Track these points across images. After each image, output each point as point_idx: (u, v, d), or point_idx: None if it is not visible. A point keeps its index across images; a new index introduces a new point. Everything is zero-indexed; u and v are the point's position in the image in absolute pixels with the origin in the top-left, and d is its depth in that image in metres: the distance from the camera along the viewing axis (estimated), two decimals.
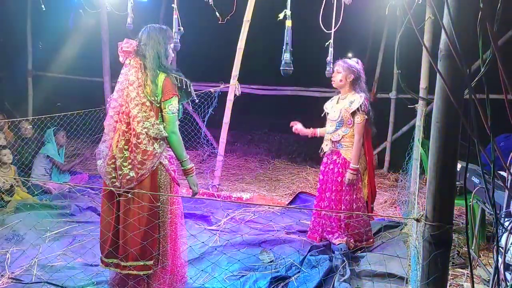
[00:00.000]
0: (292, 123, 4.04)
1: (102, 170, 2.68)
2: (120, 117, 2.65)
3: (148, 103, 2.60)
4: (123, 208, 2.62)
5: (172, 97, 2.61)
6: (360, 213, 3.80)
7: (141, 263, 2.62)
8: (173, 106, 2.62)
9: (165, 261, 2.76)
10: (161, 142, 2.64)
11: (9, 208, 4.38)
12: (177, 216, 2.84)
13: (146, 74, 2.63)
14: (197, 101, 2.94)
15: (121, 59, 2.73)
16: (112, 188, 2.63)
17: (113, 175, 2.63)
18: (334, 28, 3.85)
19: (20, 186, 4.78)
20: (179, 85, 2.67)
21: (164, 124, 2.66)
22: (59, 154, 5.50)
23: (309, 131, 3.98)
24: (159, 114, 2.66)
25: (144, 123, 2.57)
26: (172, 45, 2.78)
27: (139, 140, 2.57)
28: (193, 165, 2.76)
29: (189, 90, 2.71)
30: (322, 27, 3.68)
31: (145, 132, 2.57)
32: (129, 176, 2.58)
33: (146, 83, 2.61)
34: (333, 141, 3.78)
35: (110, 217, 2.67)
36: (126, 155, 2.61)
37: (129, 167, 2.59)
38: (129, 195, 2.60)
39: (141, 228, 2.59)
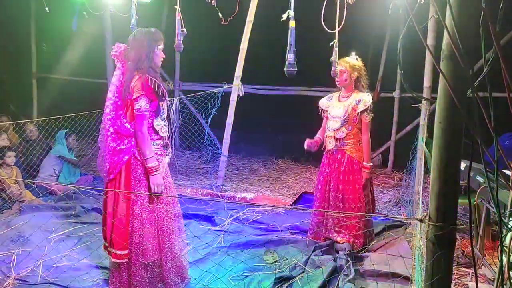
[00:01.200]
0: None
1: (98, 161, 2.88)
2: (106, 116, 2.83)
3: (120, 103, 2.74)
4: (108, 199, 2.82)
5: (139, 96, 2.69)
6: (365, 214, 3.80)
7: (114, 251, 2.78)
8: (139, 105, 2.70)
9: (148, 256, 2.80)
10: (131, 139, 2.75)
11: (14, 209, 4.41)
12: (163, 213, 2.89)
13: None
14: (168, 102, 3.05)
15: (116, 62, 2.85)
16: (109, 190, 2.68)
17: (101, 167, 2.85)
18: (338, 27, 3.85)
19: (22, 188, 4.80)
20: (150, 86, 2.72)
21: (133, 122, 2.76)
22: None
23: (315, 144, 3.87)
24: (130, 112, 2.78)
25: (114, 121, 2.72)
26: (161, 46, 2.83)
27: (108, 137, 2.73)
28: (155, 164, 2.76)
29: (160, 92, 2.76)
30: (325, 27, 3.68)
31: (113, 130, 2.72)
32: (106, 168, 2.76)
33: (125, 84, 2.73)
34: (337, 139, 3.77)
35: (103, 205, 2.90)
36: (107, 150, 2.77)
37: (108, 160, 2.76)
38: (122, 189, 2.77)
39: (116, 219, 2.77)
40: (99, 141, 2.90)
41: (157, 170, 2.76)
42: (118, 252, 2.78)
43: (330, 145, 3.83)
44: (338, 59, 3.83)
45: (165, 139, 2.92)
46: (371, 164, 3.78)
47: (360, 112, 3.68)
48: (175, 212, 2.99)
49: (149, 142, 2.75)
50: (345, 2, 3.80)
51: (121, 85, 2.74)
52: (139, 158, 2.77)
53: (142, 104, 2.69)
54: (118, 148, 2.72)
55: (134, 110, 2.71)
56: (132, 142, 2.75)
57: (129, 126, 2.73)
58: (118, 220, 2.75)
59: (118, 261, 2.80)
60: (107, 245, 2.86)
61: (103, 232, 2.90)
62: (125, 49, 2.79)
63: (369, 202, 3.85)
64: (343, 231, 3.78)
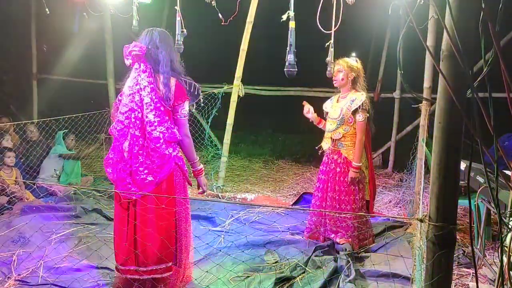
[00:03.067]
0: (304, 103, 3.94)
1: (114, 176, 2.66)
2: (133, 123, 2.61)
3: (162, 108, 2.59)
4: (140, 214, 2.61)
5: (185, 101, 2.66)
6: (365, 214, 3.80)
7: (163, 266, 2.66)
8: (185, 110, 2.67)
9: (181, 261, 2.79)
10: (174, 145, 2.68)
11: (15, 210, 4.41)
12: (187, 216, 2.88)
13: (156, 78, 2.62)
14: (202, 104, 3.03)
15: (127, 62, 2.66)
16: (124, 193, 2.63)
17: (128, 180, 2.61)
18: (334, 28, 3.85)
19: (22, 188, 4.80)
20: (187, 88, 2.70)
21: (177, 128, 2.70)
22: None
23: (316, 118, 3.93)
24: (172, 117, 2.70)
25: (160, 127, 2.58)
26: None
27: (157, 145, 2.57)
28: (202, 165, 2.88)
29: (196, 93, 2.75)
30: (320, 27, 3.67)
31: (162, 137, 2.58)
32: (147, 181, 2.59)
33: (158, 87, 2.60)
34: (333, 140, 3.78)
35: (124, 224, 2.65)
36: (141, 160, 2.59)
37: (145, 171, 2.58)
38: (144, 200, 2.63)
39: (161, 231, 2.63)
40: (111, 155, 2.67)
41: (203, 171, 2.86)
42: (168, 265, 2.67)
43: (325, 145, 3.85)
44: (338, 59, 3.83)
45: None
46: (360, 164, 3.66)
47: (353, 111, 3.65)
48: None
49: (193, 146, 2.80)
50: (342, 2, 3.80)
51: (155, 88, 2.60)
52: (179, 163, 2.70)
53: (187, 108, 2.68)
54: (173, 154, 2.63)
55: (179, 116, 2.66)
56: (178, 148, 2.71)
57: (177, 132, 2.65)
58: (166, 233, 2.63)
59: (168, 274, 2.69)
60: (137, 268, 2.64)
61: (123, 253, 2.66)
62: (147, 50, 2.64)
63: (365, 206, 3.83)
64: (341, 231, 3.78)
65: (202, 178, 2.87)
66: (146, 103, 2.57)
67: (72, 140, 5.66)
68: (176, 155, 2.66)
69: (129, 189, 2.59)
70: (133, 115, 2.60)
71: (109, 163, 2.69)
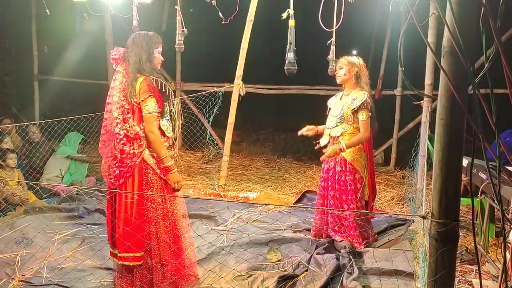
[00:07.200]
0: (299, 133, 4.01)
1: (103, 168, 2.88)
2: (110, 120, 2.81)
3: (127, 106, 2.74)
4: (116, 204, 2.80)
5: (147, 98, 2.72)
6: (366, 211, 3.79)
7: (131, 254, 2.77)
8: (149, 106, 2.73)
9: (162, 258, 2.83)
10: (141, 142, 2.75)
11: (18, 211, 4.43)
12: (174, 214, 2.91)
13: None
14: (174, 102, 3.02)
15: (114, 65, 2.86)
16: (111, 190, 2.71)
17: (109, 172, 2.83)
18: (336, 26, 3.85)
19: (25, 190, 4.81)
20: (157, 86, 2.77)
21: (143, 124, 2.77)
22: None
23: (314, 129, 3.94)
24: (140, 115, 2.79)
25: (123, 125, 2.71)
26: (159, 49, 2.86)
27: (117, 140, 2.72)
28: (172, 162, 2.83)
29: (167, 92, 2.81)
30: (322, 25, 3.67)
31: (123, 133, 2.71)
32: (115, 174, 2.75)
33: (129, 87, 2.75)
34: (332, 137, 3.76)
35: (110, 211, 2.89)
36: (116, 154, 2.76)
37: (116, 165, 2.75)
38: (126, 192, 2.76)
39: (126, 223, 2.74)
40: (100, 147, 2.89)
41: (174, 168, 2.82)
42: (137, 255, 2.76)
43: (323, 141, 3.82)
44: (339, 57, 3.84)
45: (170, 139, 2.95)
46: (346, 149, 3.64)
47: (355, 110, 3.63)
48: (183, 212, 3.02)
49: (162, 142, 2.79)
50: (343, 0, 3.80)
51: (125, 88, 2.76)
52: (148, 162, 2.78)
53: (152, 105, 2.72)
54: (132, 151, 2.71)
55: (143, 112, 2.73)
56: (143, 145, 2.76)
57: (138, 129, 2.73)
58: (132, 225, 2.72)
59: (132, 263, 2.77)
60: (116, 252, 2.81)
61: (110, 237, 2.86)
62: (125, 52, 2.81)
63: (364, 207, 3.79)
64: (341, 231, 3.78)
65: (171, 176, 2.83)
66: (113, 102, 2.76)
67: (82, 146, 5.77)
68: (140, 153, 2.74)
69: (108, 180, 2.83)
70: (109, 114, 2.82)
71: (104, 156, 2.89)
